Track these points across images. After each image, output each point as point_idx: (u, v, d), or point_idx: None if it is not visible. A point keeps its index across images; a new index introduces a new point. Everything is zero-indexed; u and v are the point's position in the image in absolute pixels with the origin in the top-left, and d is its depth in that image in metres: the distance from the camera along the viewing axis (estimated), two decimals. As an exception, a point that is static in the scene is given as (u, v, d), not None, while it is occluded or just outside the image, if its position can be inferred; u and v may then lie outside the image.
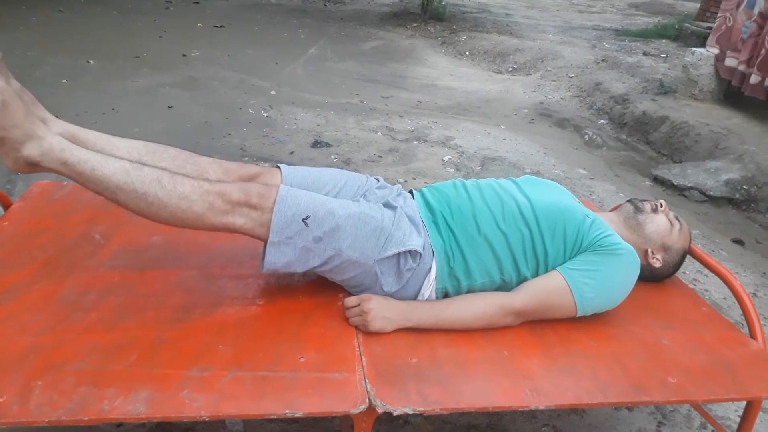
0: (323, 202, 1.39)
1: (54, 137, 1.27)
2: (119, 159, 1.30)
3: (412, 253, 1.43)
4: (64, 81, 4.68)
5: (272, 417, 1.14)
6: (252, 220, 1.34)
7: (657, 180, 3.96)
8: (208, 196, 1.30)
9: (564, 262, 1.48)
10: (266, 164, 3.49)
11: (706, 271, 1.77)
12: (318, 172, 1.64)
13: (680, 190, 3.81)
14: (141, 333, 1.30)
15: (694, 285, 2.66)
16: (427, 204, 1.56)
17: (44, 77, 4.71)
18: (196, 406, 1.12)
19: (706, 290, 2.64)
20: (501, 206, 1.52)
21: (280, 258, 1.36)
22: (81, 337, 1.28)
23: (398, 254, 1.42)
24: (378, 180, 1.68)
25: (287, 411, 1.13)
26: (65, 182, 2.00)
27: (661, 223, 1.63)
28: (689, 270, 2.77)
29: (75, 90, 4.48)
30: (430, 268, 1.46)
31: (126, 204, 1.30)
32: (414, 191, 1.64)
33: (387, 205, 1.52)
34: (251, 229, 1.35)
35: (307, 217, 1.35)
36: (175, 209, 1.29)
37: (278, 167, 1.63)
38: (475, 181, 1.63)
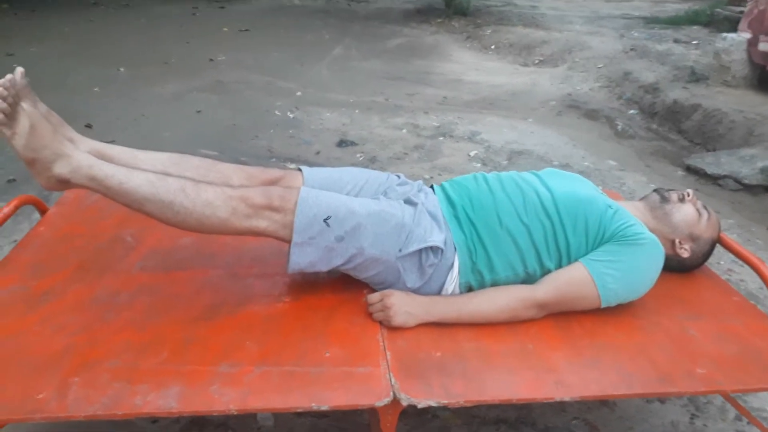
0: (344, 202, 1.41)
1: (81, 155, 1.33)
2: (144, 171, 1.35)
3: (434, 249, 1.44)
4: (96, 89, 4.80)
5: (299, 410, 1.16)
6: (275, 223, 1.37)
7: (690, 169, 3.88)
8: (231, 202, 1.34)
9: (587, 254, 1.47)
10: (292, 165, 3.54)
11: (742, 261, 1.74)
12: (339, 172, 1.67)
13: (714, 179, 3.73)
14: (171, 331, 1.34)
15: (729, 275, 2.60)
16: (448, 198, 1.57)
17: (77, 86, 4.84)
18: (224, 400, 1.15)
19: (741, 280, 2.58)
20: (522, 199, 1.52)
21: (304, 258, 1.39)
22: (114, 336, 1.32)
23: (420, 251, 1.43)
24: (399, 177, 1.70)
25: (313, 404, 1.16)
26: (98, 187, 2.05)
27: (689, 212, 1.60)
28: (724, 260, 2.71)
29: (106, 97, 4.60)
30: (453, 264, 1.47)
31: (153, 214, 1.34)
32: (435, 186, 1.65)
33: (408, 201, 1.53)
34: (275, 232, 1.38)
35: (328, 217, 1.37)
36: (200, 216, 1.33)
37: (299, 169, 1.66)
38: (497, 174, 1.63)
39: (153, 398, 1.15)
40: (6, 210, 1.68)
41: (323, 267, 1.42)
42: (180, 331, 1.35)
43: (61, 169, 1.31)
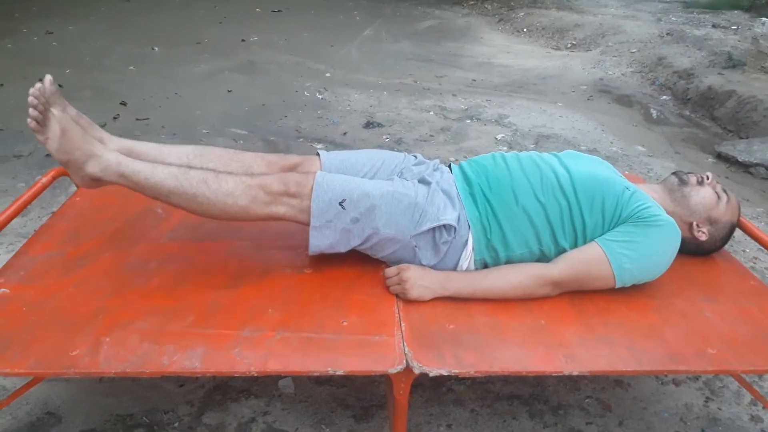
0: (357, 185, 1.47)
1: (111, 154, 1.41)
2: (168, 165, 1.43)
3: (447, 227, 1.48)
4: (131, 68, 4.91)
5: (315, 374, 1.21)
6: (293, 208, 1.44)
7: (720, 157, 3.82)
8: (250, 190, 1.41)
9: (602, 234, 1.49)
10: (319, 145, 3.59)
11: (762, 245, 1.74)
12: (356, 155, 1.72)
13: (745, 167, 3.66)
14: (197, 297, 1.41)
15: (754, 263, 2.58)
16: (465, 177, 1.60)
17: (113, 65, 4.96)
18: (246, 362, 1.21)
19: (767, 268, 2.56)
20: (540, 177, 1.54)
21: (323, 240, 1.45)
22: (144, 300, 1.39)
23: (433, 229, 1.47)
24: (416, 157, 1.73)
25: (329, 369, 1.21)
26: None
27: (707, 195, 1.60)
28: (750, 248, 2.69)
29: (141, 76, 4.70)
30: (467, 241, 1.50)
31: (180, 206, 1.43)
32: (453, 165, 1.68)
33: (422, 180, 1.57)
34: (294, 216, 1.45)
35: (343, 200, 1.43)
36: (223, 205, 1.41)
37: (318, 154, 1.71)
38: (516, 153, 1.65)
39: (179, 359, 1.22)
40: (44, 180, 1.76)
41: (342, 248, 1.49)
42: (206, 297, 1.41)
43: (92, 168, 1.39)
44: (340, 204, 1.43)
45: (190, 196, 1.39)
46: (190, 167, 1.44)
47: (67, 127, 1.37)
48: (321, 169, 1.64)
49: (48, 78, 1.38)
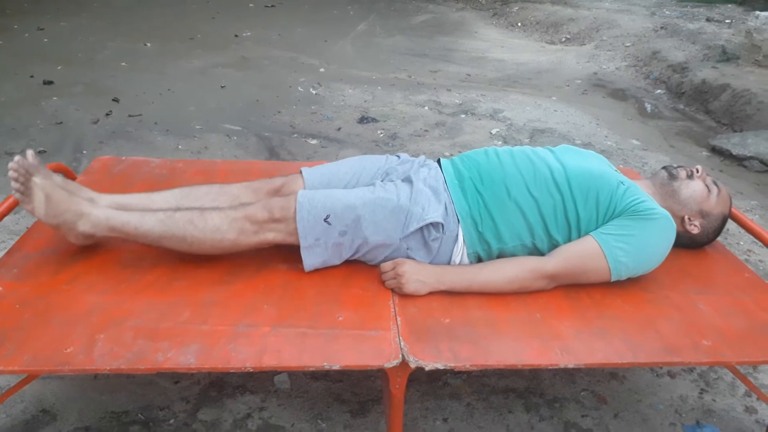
0: (339, 198, 1.48)
1: (99, 210, 1.45)
2: (155, 212, 1.46)
3: (434, 225, 1.49)
4: (124, 64, 4.88)
5: (311, 369, 1.21)
6: (281, 233, 1.46)
7: (714, 150, 3.84)
8: (236, 223, 1.44)
9: (596, 228, 1.49)
10: (314, 141, 3.58)
11: (753, 236, 1.74)
12: (336, 166, 1.73)
13: (739, 161, 3.68)
14: (192, 293, 1.40)
15: (748, 256, 2.59)
16: (457, 170, 1.60)
17: (105, 61, 4.93)
18: (241, 358, 1.21)
19: (761, 261, 2.57)
20: (533, 171, 1.54)
21: (316, 259, 1.47)
22: (139, 296, 1.39)
23: (421, 228, 1.48)
24: (398, 157, 1.74)
25: (325, 364, 1.21)
26: (123, 157, 2.13)
27: (697, 188, 1.61)
28: (744, 241, 2.70)
29: (134, 72, 4.68)
30: (457, 235, 1.51)
31: (173, 249, 1.46)
32: (443, 160, 1.68)
33: (406, 179, 1.58)
34: (284, 240, 1.47)
35: (328, 216, 1.45)
36: (212, 242, 1.44)
37: (300, 172, 1.71)
38: (509, 148, 1.65)
39: (174, 355, 1.21)
40: (37, 177, 1.75)
41: (336, 261, 1.50)
42: (200, 293, 1.41)
43: (83, 226, 1.43)
44: (325, 220, 1.45)
45: (180, 238, 1.43)
46: (177, 209, 1.47)
47: (51, 193, 1.41)
48: (304, 187, 1.66)
49: (29, 152, 1.42)
